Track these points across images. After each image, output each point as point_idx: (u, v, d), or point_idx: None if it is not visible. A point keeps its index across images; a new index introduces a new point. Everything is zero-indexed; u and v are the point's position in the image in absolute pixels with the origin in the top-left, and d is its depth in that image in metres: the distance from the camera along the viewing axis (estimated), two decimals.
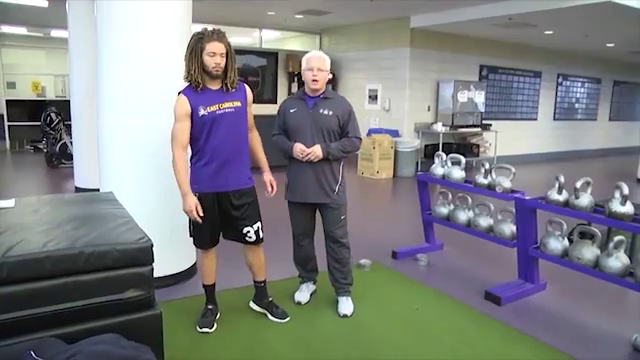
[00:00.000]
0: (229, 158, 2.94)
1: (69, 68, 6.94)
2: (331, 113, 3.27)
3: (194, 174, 2.97)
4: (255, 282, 3.33)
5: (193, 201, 2.86)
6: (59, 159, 9.00)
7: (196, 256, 4.05)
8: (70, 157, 8.69)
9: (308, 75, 3.24)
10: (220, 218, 3.03)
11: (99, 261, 1.70)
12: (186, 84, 2.91)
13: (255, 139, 3.22)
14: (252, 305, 3.41)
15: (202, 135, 2.87)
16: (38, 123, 10.23)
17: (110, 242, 1.75)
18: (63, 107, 9.77)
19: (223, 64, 2.82)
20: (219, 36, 2.78)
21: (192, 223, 3.01)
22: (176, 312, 3.27)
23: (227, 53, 2.83)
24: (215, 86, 2.88)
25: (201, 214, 2.87)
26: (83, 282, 1.68)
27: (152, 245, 1.81)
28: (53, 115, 9.40)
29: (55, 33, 11.41)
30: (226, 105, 2.88)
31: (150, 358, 1.59)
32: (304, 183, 3.32)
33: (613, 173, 10.22)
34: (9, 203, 2.16)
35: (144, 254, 1.78)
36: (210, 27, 2.83)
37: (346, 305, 3.47)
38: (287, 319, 3.29)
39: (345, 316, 3.42)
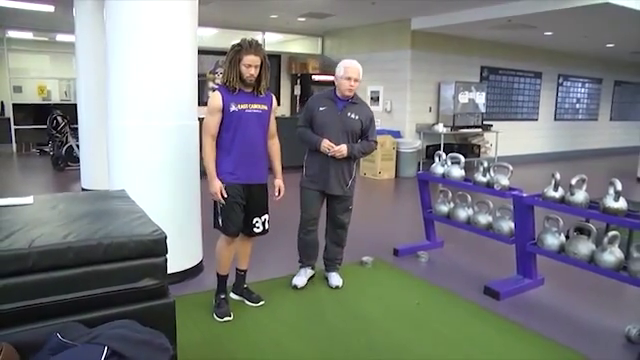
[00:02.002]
0: (254, 153, 3.23)
1: (76, 71, 7.08)
2: (357, 117, 3.65)
3: (221, 166, 3.20)
4: (238, 270, 3.57)
5: (219, 185, 3.15)
6: (65, 162, 9.12)
7: (202, 254, 4.17)
8: (76, 160, 8.82)
9: (345, 84, 3.58)
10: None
11: (117, 252, 1.82)
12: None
13: (275, 146, 3.47)
14: (232, 295, 3.60)
15: (230, 129, 3.14)
16: (43, 126, 10.38)
17: (126, 234, 1.87)
18: (68, 110, 9.93)
19: (256, 74, 3.12)
20: (256, 49, 3.08)
21: (222, 213, 3.23)
22: (183, 307, 3.36)
23: (262, 64, 3.12)
24: (248, 89, 3.17)
25: (225, 196, 3.15)
26: (102, 271, 1.80)
27: (166, 237, 1.93)
28: (59, 118, 9.53)
29: (60, 37, 11.55)
30: (254, 106, 3.19)
31: (163, 342, 1.70)
32: (325, 175, 3.67)
33: (614, 172, 10.25)
34: (28, 200, 2.28)
35: (159, 245, 1.90)
36: (248, 37, 3.15)
37: (336, 278, 3.94)
38: (262, 302, 3.55)
39: (337, 287, 3.87)
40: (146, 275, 1.86)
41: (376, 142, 3.83)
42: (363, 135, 3.73)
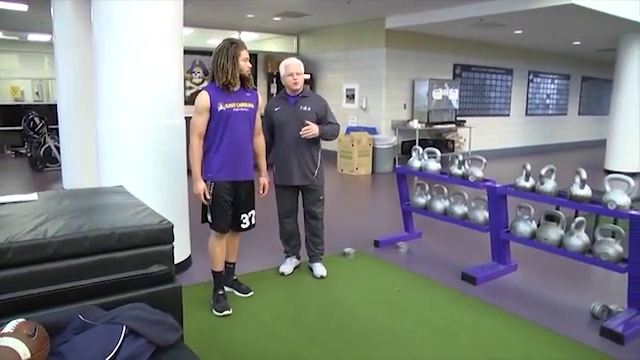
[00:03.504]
0: (241, 151, 3.33)
1: (55, 72, 7.06)
2: (310, 109, 3.85)
3: (209, 164, 3.30)
4: (227, 262, 3.67)
5: (202, 186, 3.26)
6: (44, 163, 9.06)
7: (191, 249, 4.30)
8: (55, 160, 8.80)
9: (289, 80, 3.82)
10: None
11: (128, 240, 1.96)
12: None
13: (260, 144, 3.59)
14: None
15: (219, 128, 3.24)
16: (17, 128, 10.26)
17: (137, 224, 2.02)
18: (41, 111, 9.87)
19: None
20: (245, 45, 3.26)
21: (212, 211, 3.33)
22: None
23: None
24: (236, 87, 3.27)
25: (208, 197, 3.26)
26: (115, 259, 1.94)
27: (173, 226, 2.08)
28: (36, 119, 9.48)
29: (32, 37, 11.41)
30: (242, 105, 3.30)
31: (174, 322, 1.85)
32: (289, 169, 3.87)
33: (582, 165, 10.60)
34: (33, 196, 2.39)
35: (166, 234, 2.06)
36: (235, 36, 3.28)
37: (320, 268, 4.12)
38: (251, 293, 3.71)
39: (322, 277, 4.05)
40: (155, 262, 2.01)
41: (338, 124, 4.02)
42: (321, 124, 3.90)
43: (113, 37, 3.75)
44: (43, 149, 9.08)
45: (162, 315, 1.83)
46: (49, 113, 8.52)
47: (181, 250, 4.14)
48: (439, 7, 8.42)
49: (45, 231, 1.85)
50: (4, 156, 11.15)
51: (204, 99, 3.23)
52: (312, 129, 3.74)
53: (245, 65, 3.26)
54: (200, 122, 3.25)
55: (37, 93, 12.29)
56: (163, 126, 3.91)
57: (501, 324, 3.35)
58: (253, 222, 3.56)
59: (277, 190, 4.02)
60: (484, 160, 4.33)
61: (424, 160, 4.77)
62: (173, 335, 1.80)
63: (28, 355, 1.48)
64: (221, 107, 3.23)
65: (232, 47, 3.21)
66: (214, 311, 3.40)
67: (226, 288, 3.68)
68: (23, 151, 10.54)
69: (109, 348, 1.57)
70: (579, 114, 15.61)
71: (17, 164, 9.98)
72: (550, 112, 14.54)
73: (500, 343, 3.11)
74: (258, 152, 3.58)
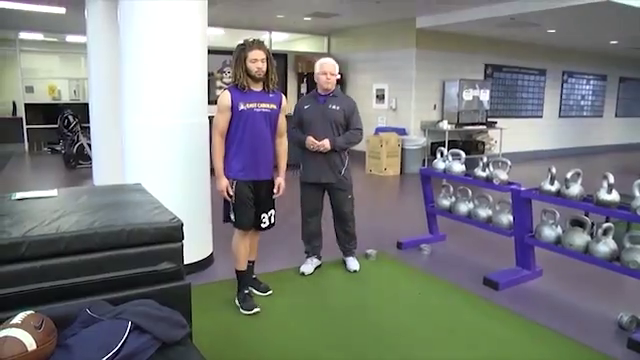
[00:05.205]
0: (261, 151, 3.36)
1: (88, 72, 7.25)
2: (338, 108, 3.89)
3: (231, 163, 3.34)
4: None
5: (225, 182, 3.31)
6: (77, 160, 9.33)
7: (212, 247, 4.34)
8: (87, 158, 9.03)
9: (322, 78, 3.87)
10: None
11: (138, 237, 1.99)
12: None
13: (283, 145, 3.60)
14: None
15: (239, 127, 3.28)
16: (54, 126, 10.61)
17: (147, 222, 2.05)
18: (77, 110, 10.18)
19: (264, 68, 3.26)
20: (259, 45, 3.23)
21: (235, 209, 3.37)
22: (194, 296, 3.53)
23: (267, 58, 3.26)
24: (257, 88, 3.30)
25: (231, 194, 3.31)
26: (125, 255, 1.98)
27: (182, 224, 2.10)
28: (70, 118, 9.77)
29: (70, 38, 11.77)
30: (263, 105, 3.32)
31: (181, 319, 1.87)
32: (317, 167, 3.93)
33: (618, 169, 10.34)
34: (53, 192, 2.45)
35: (176, 232, 2.08)
36: (251, 38, 3.30)
37: (353, 263, 4.25)
38: (269, 292, 3.71)
39: (355, 271, 4.18)
40: (164, 259, 2.04)
41: (361, 130, 4.03)
42: (347, 124, 3.96)
43: (138, 37, 3.83)
44: (76, 147, 9.35)
45: (169, 312, 1.85)
46: (84, 112, 8.78)
47: (203, 248, 4.21)
48: (470, 6, 8.29)
49: (58, 227, 1.89)
50: (41, 153, 11.54)
51: (226, 98, 3.28)
52: (324, 144, 3.83)
53: (253, 66, 3.22)
54: (221, 120, 3.30)
55: (75, 92, 12.68)
56: (187, 125, 3.96)
57: (521, 332, 3.27)
58: (273, 221, 3.57)
59: (303, 188, 4.05)
60: (509, 163, 4.24)
61: (448, 162, 4.70)
62: (179, 332, 1.81)
63: (34, 346, 1.51)
64: (242, 107, 3.26)
65: (239, 49, 3.25)
66: (242, 310, 3.41)
67: None
68: (58, 148, 10.87)
69: (114, 343, 1.59)
70: (616, 116, 15.11)
71: (53, 161, 10.29)
72: (585, 114, 14.12)
73: (519, 352, 3.04)
74: (280, 153, 3.58)
